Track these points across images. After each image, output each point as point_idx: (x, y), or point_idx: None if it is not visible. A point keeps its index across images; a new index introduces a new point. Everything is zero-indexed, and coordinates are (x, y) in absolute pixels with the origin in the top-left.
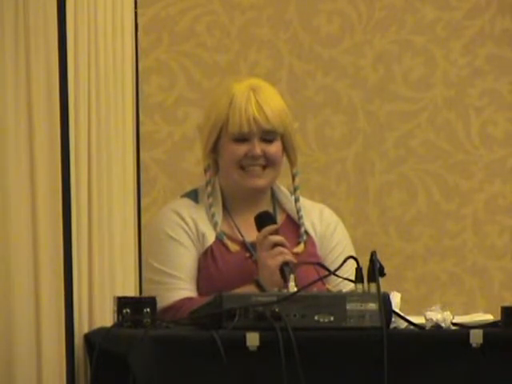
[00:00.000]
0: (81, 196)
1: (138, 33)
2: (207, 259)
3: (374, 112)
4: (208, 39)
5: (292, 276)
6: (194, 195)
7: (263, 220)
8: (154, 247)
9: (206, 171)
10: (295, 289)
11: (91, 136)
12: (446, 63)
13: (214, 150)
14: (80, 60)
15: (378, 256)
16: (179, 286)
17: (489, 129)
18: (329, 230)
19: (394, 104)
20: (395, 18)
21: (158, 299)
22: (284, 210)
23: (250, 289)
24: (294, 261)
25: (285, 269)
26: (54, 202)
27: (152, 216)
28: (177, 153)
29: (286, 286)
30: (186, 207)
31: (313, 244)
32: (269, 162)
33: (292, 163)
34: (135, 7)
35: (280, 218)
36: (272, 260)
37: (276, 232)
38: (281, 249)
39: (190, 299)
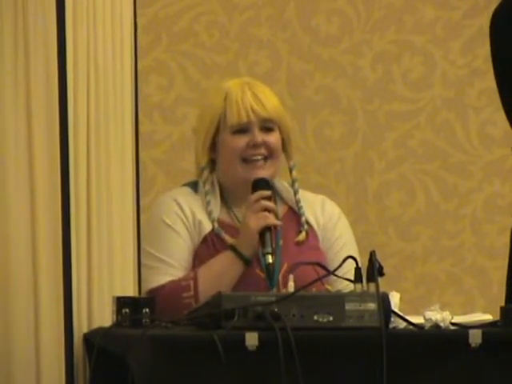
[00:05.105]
0: (80, 196)
1: (137, 33)
2: (203, 246)
3: (373, 112)
4: (207, 39)
5: (291, 276)
6: (194, 185)
7: (259, 185)
8: (149, 233)
9: (202, 171)
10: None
11: (90, 136)
12: (445, 63)
13: (212, 149)
14: (79, 60)
15: (377, 256)
16: (168, 272)
17: (488, 129)
18: (331, 222)
19: (393, 104)
20: (394, 18)
21: (145, 282)
22: (285, 203)
23: (225, 255)
24: (278, 223)
25: (265, 233)
26: (53, 201)
27: None
28: (175, 152)
29: (263, 252)
30: (184, 195)
31: (315, 236)
32: (270, 152)
33: (289, 156)
34: (134, 7)
35: (282, 210)
36: (255, 222)
37: (270, 199)
38: (267, 214)
39: (172, 281)
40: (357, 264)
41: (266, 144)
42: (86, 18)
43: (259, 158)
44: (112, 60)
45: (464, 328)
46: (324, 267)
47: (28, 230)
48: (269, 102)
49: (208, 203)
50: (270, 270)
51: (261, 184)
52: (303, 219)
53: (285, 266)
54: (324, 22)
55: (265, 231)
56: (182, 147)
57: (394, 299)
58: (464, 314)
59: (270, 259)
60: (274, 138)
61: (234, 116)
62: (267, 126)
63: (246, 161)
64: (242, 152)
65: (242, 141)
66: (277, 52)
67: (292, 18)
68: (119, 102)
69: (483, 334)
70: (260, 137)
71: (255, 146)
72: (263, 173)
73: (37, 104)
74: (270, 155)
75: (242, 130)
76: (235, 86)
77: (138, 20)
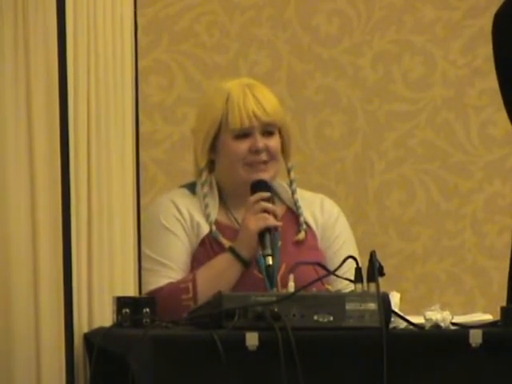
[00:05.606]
0: (80, 196)
1: (138, 33)
2: (201, 249)
3: (374, 112)
4: (207, 39)
5: (291, 276)
6: (191, 187)
7: (259, 186)
8: (147, 235)
9: (201, 172)
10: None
11: (91, 136)
12: (445, 63)
13: (211, 150)
14: (79, 60)
15: (378, 256)
16: (167, 274)
17: (488, 129)
18: (330, 221)
19: (393, 104)
20: (395, 18)
21: (144, 285)
22: (284, 203)
23: (224, 257)
24: (278, 224)
25: (264, 235)
26: (53, 201)
27: None
28: (176, 152)
29: (263, 254)
30: (182, 197)
31: (314, 236)
32: (271, 156)
33: (287, 158)
34: (134, 7)
35: (280, 211)
36: (254, 223)
37: (269, 200)
38: (266, 215)
39: (170, 283)
40: (357, 264)
41: (267, 149)
42: (86, 18)
43: (261, 163)
44: (112, 60)
45: (464, 328)
46: (324, 267)
47: (28, 230)
48: (270, 105)
49: (206, 206)
50: (269, 272)
51: (260, 185)
52: (302, 219)
53: (283, 267)
54: (324, 21)
55: (264, 233)
56: (183, 147)
57: (395, 299)
58: (464, 313)
59: (269, 261)
60: (274, 142)
61: (235, 120)
62: (268, 130)
63: (247, 164)
64: (243, 157)
65: (243, 145)
66: (277, 52)
67: (292, 18)
68: (120, 102)
69: (484, 334)
70: (261, 142)
71: (257, 151)
72: (265, 175)
73: (37, 104)
74: (270, 159)
75: (244, 134)
76: (236, 88)
77: (138, 20)
